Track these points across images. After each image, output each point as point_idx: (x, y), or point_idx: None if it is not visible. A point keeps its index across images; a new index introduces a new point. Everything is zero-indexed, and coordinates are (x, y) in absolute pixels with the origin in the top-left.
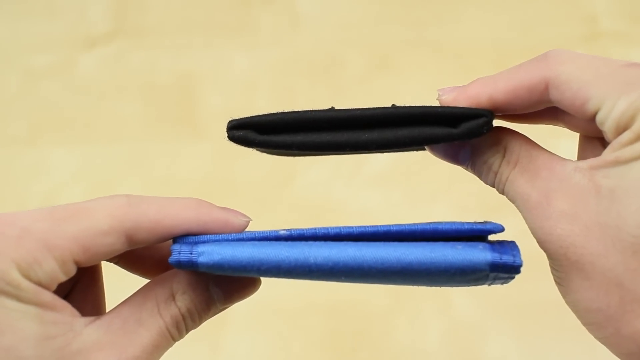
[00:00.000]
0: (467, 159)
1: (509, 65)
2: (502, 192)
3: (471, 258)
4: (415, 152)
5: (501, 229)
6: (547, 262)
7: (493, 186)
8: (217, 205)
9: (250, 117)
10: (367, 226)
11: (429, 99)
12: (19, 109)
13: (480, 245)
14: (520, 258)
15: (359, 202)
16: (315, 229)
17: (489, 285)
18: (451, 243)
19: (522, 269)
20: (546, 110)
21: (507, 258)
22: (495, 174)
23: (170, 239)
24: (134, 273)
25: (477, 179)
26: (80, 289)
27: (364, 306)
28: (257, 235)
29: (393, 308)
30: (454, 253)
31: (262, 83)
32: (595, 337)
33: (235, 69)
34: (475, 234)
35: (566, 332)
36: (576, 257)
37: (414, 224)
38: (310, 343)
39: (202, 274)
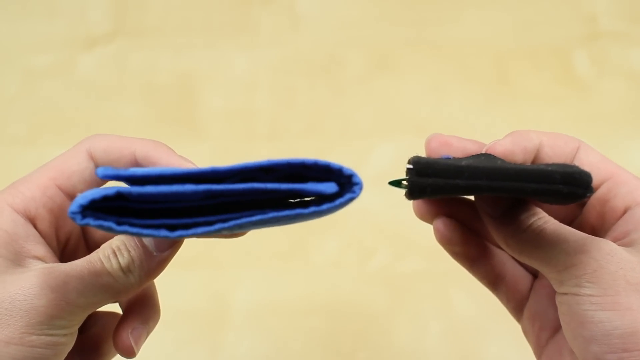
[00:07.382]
0: None
1: (508, 65)
2: None
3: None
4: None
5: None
6: None
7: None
8: None
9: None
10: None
11: (428, 98)
12: (19, 109)
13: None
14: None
15: (358, 202)
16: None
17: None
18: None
19: None
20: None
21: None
22: None
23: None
24: None
25: None
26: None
27: (364, 306)
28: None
29: (393, 308)
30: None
31: (262, 83)
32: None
33: (235, 69)
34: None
35: None
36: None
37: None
38: (310, 343)
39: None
